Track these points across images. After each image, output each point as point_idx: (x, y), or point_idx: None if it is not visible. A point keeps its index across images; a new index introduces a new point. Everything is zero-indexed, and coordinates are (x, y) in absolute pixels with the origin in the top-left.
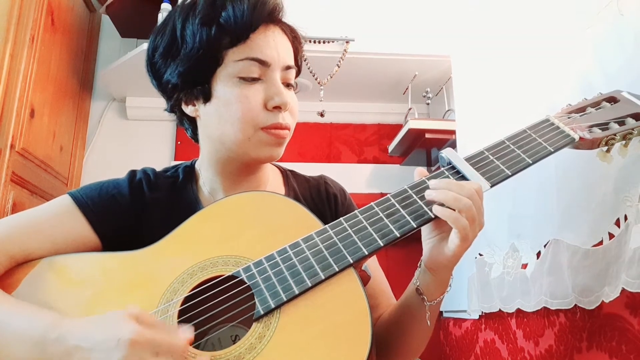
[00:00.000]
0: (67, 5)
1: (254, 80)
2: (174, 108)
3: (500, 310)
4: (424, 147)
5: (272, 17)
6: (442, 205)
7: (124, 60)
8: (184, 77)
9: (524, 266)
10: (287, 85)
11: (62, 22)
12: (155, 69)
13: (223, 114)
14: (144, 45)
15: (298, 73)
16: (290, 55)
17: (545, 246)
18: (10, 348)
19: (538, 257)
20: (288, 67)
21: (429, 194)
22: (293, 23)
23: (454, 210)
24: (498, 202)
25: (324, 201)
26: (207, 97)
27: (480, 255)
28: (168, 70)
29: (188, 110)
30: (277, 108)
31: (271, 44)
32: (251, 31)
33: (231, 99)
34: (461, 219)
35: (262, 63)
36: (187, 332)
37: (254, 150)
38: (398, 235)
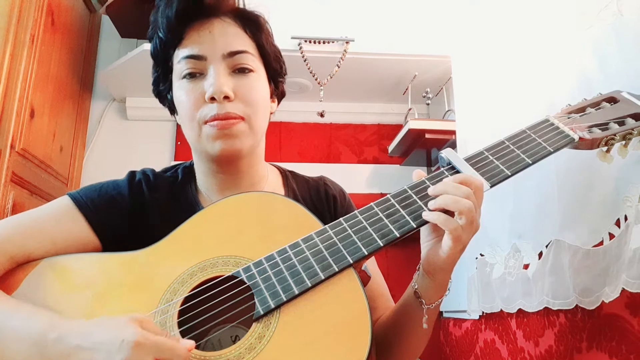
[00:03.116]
0: (67, 5)
1: (195, 76)
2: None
3: (501, 310)
4: (424, 148)
5: (206, 13)
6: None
7: (124, 60)
8: (157, 89)
9: (526, 266)
10: (240, 70)
11: (62, 22)
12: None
13: (180, 116)
14: (144, 46)
15: (269, 57)
16: (238, 40)
17: (547, 246)
18: (10, 348)
19: (540, 258)
20: (234, 53)
21: (432, 204)
22: (250, 8)
23: (455, 212)
24: (499, 202)
25: (324, 202)
26: (173, 105)
27: (482, 255)
28: (152, 85)
29: (177, 119)
30: (212, 99)
31: (205, 38)
32: (182, 33)
33: (180, 100)
34: (451, 220)
35: (196, 57)
36: (189, 342)
37: (207, 146)
38: (398, 235)
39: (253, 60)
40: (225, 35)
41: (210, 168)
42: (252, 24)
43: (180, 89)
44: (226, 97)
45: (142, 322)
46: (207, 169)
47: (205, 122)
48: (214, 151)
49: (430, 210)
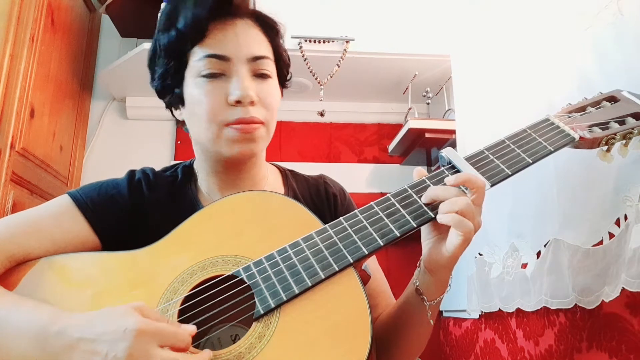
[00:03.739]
0: (67, 5)
1: (216, 76)
2: (168, 111)
3: (500, 309)
4: (424, 147)
5: (234, 12)
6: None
7: (124, 60)
8: (162, 83)
9: (524, 266)
10: (260, 75)
11: (62, 22)
12: (150, 78)
13: (194, 114)
14: (144, 45)
15: (283, 62)
16: (261, 45)
17: (545, 246)
18: (11, 343)
19: (538, 257)
20: (257, 58)
21: (442, 208)
22: (267, 12)
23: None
24: (498, 201)
25: (324, 201)
26: (182, 101)
27: (480, 254)
28: (155, 78)
29: (176, 114)
30: (238, 102)
31: (230, 38)
32: (205, 29)
33: (197, 99)
34: (466, 223)
35: (221, 58)
36: (190, 327)
37: (225, 148)
38: (398, 234)
39: (271, 66)
40: (249, 39)
41: (216, 168)
42: (272, 29)
43: (198, 88)
44: (251, 102)
45: (143, 310)
46: (212, 168)
47: (227, 125)
48: (231, 153)
49: (439, 213)
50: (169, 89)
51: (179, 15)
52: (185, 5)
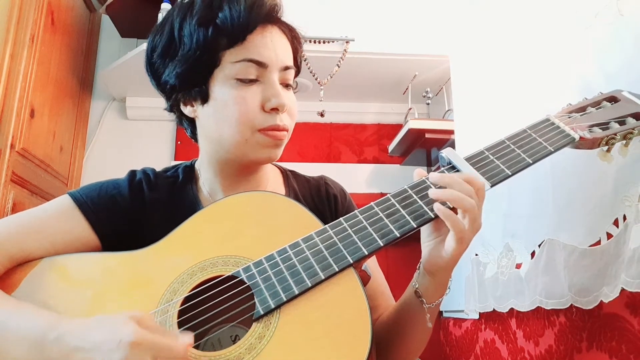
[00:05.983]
0: (67, 5)
1: (251, 81)
2: (173, 108)
3: (494, 309)
4: (424, 147)
5: (270, 18)
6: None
7: (124, 60)
8: (182, 78)
9: (518, 266)
10: (286, 85)
11: (62, 22)
12: (154, 69)
13: (220, 115)
14: (144, 45)
15: (297, 73)
16: (289, 55)
17: (539, 246)
18: (9, 348)
19: (533, 257)
20: (287, 68)
21: (432, 193)
22: (292, 22)
23: (457, 209)
24: (493, 201)
25: (324, 201)
26: (204, 99)
27: (476, 255)
28: (166, 71)
29: (186, 111)
30: (275, 110)
31: (269, 45)
32: (248, 32)
33: (228, 101)
34: (459, 221)
35: (260, 64)
36: (187, 338)
37: (251, 152)
38: (398, 235)
39: (293, 77)
40: (282, 48)
41: (225, 170)
42: (297, 41)
43: (232, 90)
44: (284, 110)
45: (140, 319)
46: (221, 169)
47: (260, 130)
48: (257, 157)
49: (431, 199)
50: (189, 85)
51: (222, 12)
52: (232, 3)
